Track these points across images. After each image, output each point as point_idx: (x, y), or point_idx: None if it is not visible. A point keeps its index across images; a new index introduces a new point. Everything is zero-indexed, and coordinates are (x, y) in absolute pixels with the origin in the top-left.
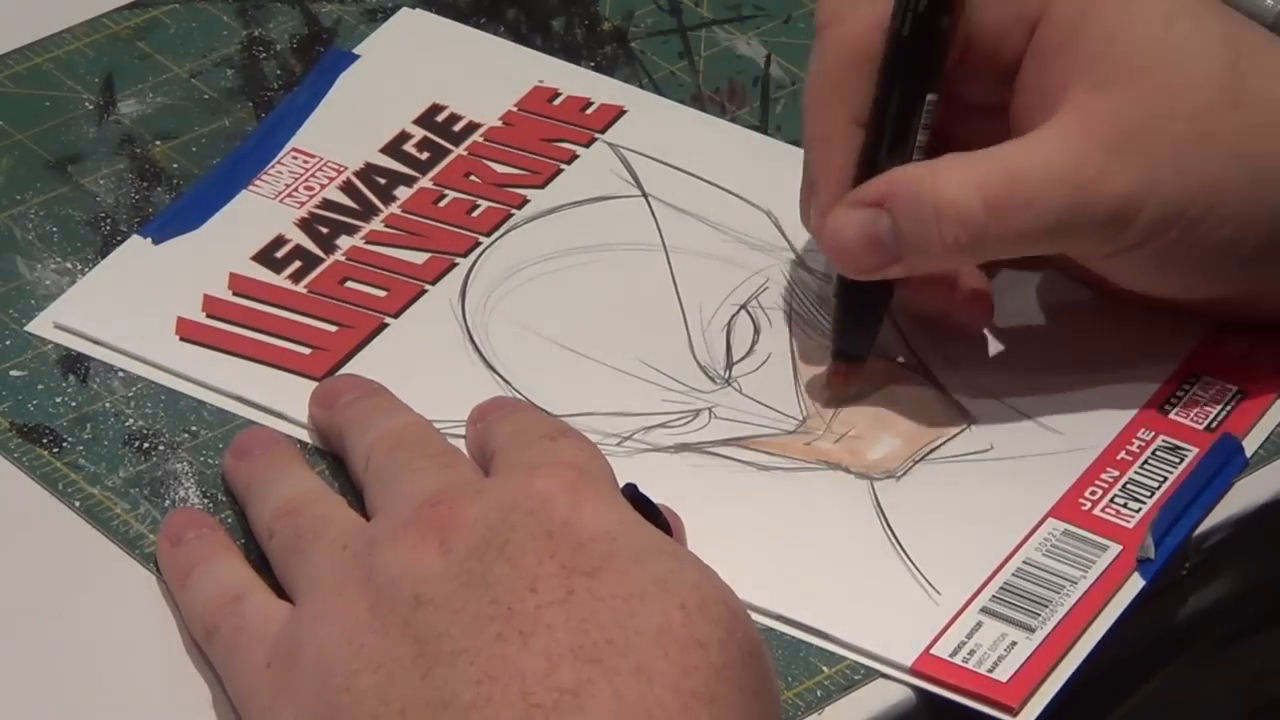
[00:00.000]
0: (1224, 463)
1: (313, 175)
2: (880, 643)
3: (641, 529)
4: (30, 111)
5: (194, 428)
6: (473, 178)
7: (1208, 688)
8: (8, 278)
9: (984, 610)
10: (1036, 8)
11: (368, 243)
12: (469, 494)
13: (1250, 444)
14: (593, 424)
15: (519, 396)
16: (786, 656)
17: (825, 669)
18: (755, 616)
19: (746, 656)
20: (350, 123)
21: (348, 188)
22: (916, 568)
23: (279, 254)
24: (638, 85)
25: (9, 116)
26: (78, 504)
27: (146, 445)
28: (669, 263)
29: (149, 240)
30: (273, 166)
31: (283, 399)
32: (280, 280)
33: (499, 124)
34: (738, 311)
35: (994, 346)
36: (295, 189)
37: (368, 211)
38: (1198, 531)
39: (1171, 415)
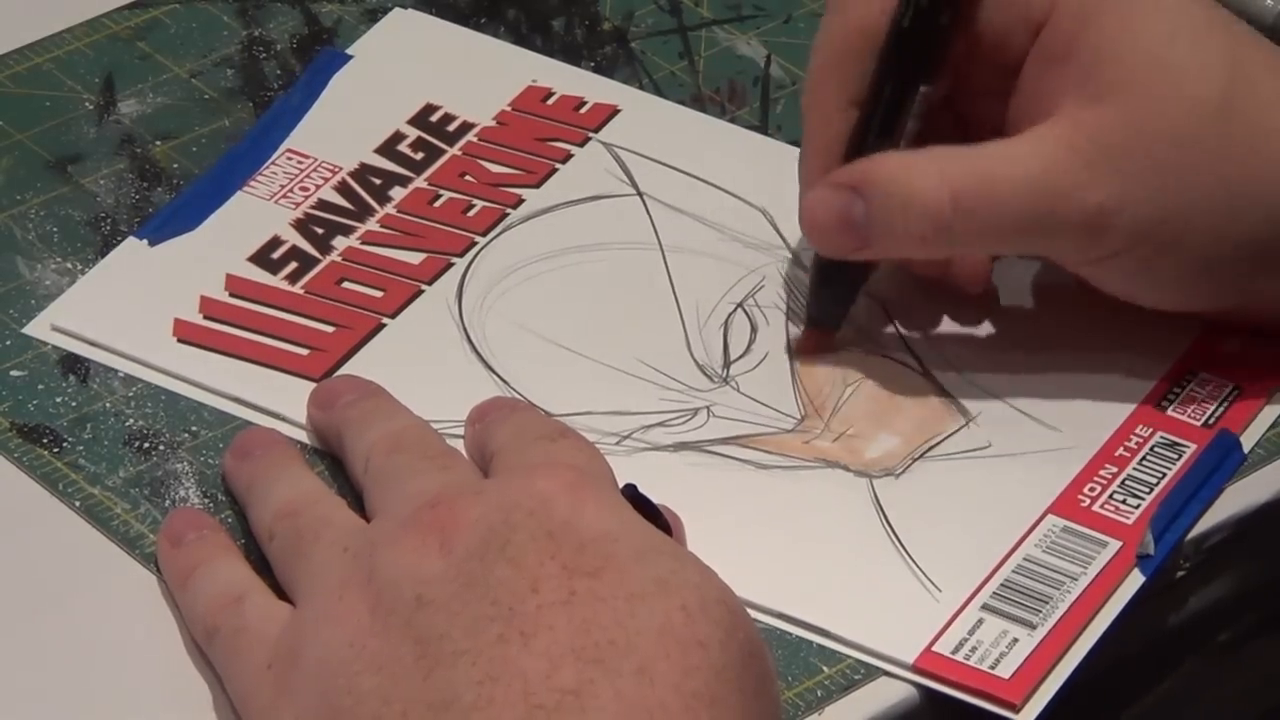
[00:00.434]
0: (1222, 459)
1: (308, 176)
2: (882, 640)
3: (642, 529)
4: (30, 111)
5: (194, 428)
6: (468, 177)
7: (1220, 689)
8: (8, 278)
9: (985, 607)
10: (1041, 13)
11: (364, 243)
12: (469, 495)
13: (1247, 440)
14: (591, 423)
15: (517, 396)
16: (787, 656)
17: (825, 669)
18: (756, 615)
19: (747, 657)
20: (344, 123)
21: (343, 188)
22: (917, 565)
23: (275, 255)
24: (638, 85)
25: (9, 116)
26: (78, 504)
27: (147, 445)
28: (665, 262)
29: (145, 242)
30: (268, 167)
31: (281, 400)
32: (277, 281)
33: (493, 124)
34: (735, 310)
35: (992, 344)
36: (290, 190)
37: (363, 212)
38: (1197, 532)
39: (1169, 411)
